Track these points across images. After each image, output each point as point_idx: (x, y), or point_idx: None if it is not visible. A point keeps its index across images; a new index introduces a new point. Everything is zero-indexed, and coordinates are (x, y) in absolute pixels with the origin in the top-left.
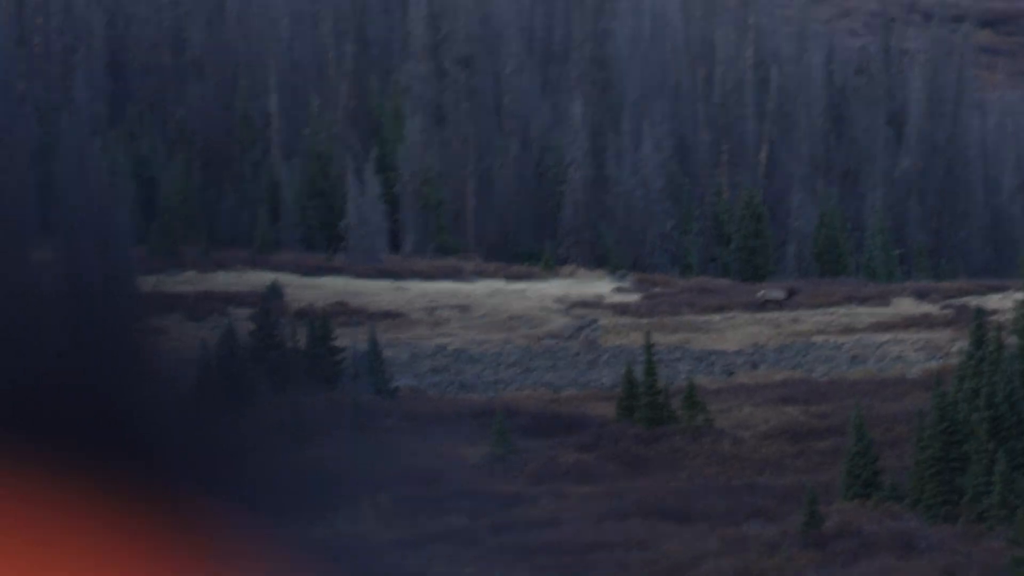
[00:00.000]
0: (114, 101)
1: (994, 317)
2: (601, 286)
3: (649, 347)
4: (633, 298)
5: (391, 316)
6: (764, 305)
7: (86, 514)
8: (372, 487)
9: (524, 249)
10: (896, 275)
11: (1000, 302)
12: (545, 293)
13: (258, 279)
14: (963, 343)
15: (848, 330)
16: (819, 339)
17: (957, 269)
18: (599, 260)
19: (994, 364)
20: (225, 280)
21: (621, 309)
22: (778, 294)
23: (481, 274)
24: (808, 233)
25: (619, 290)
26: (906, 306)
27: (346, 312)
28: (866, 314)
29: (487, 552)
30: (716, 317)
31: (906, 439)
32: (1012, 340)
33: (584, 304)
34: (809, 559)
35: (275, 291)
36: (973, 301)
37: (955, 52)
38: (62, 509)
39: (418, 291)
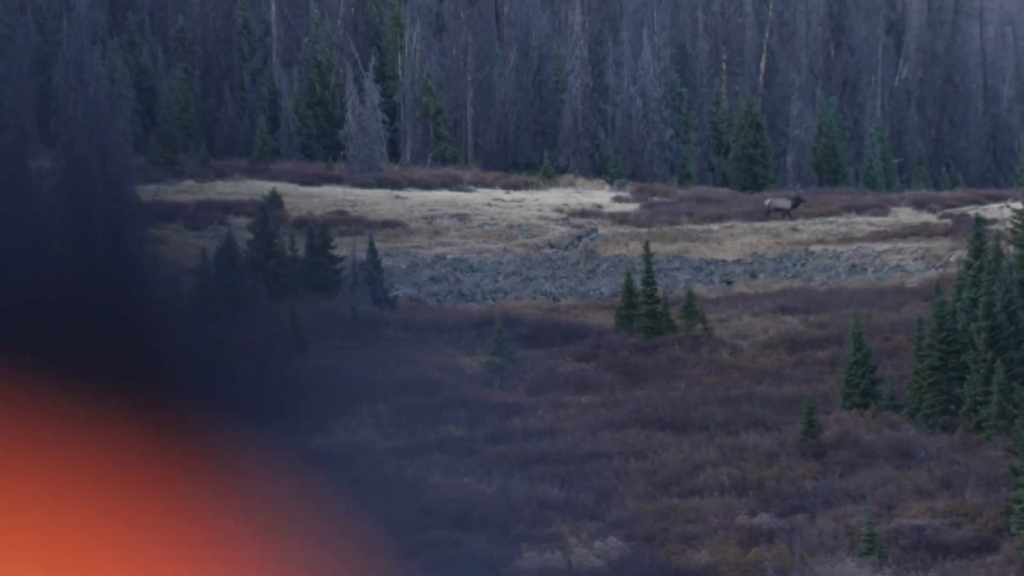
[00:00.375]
0: (114, 10)
1: (993, 227)
2: (600, 195)
3: (648, 256)
4: (632, 207)
5: (390, 225)
6: (770, 214)
7: (86, 424)
8: (371, 396)
9: (523, 158)
10: (895, 184)
11: (999, 211)
12: (544, 202)
13: (257, 188)
14: (962, 252)
15: (847, 239)
16: (818, 248)
17: (956, 178)
18: (598, 169)
19: (992, 274)
20: (224, 189)
21: (620, 218)
22: (784, 202)
23: (480, 183)
24: (807, 142)
25: (618, 199)
26: (905, 215)
27: (345, 221)
28: (865, 223)
29: (485, 461)
30: (715, 226)
31: (904, 349)
32: (1011, 250)
33: (583, 213)
34: (807, 468)
35: (274, 200)
36: (972, 210)
37: None
38: (65, 418)
39: (417, 200)
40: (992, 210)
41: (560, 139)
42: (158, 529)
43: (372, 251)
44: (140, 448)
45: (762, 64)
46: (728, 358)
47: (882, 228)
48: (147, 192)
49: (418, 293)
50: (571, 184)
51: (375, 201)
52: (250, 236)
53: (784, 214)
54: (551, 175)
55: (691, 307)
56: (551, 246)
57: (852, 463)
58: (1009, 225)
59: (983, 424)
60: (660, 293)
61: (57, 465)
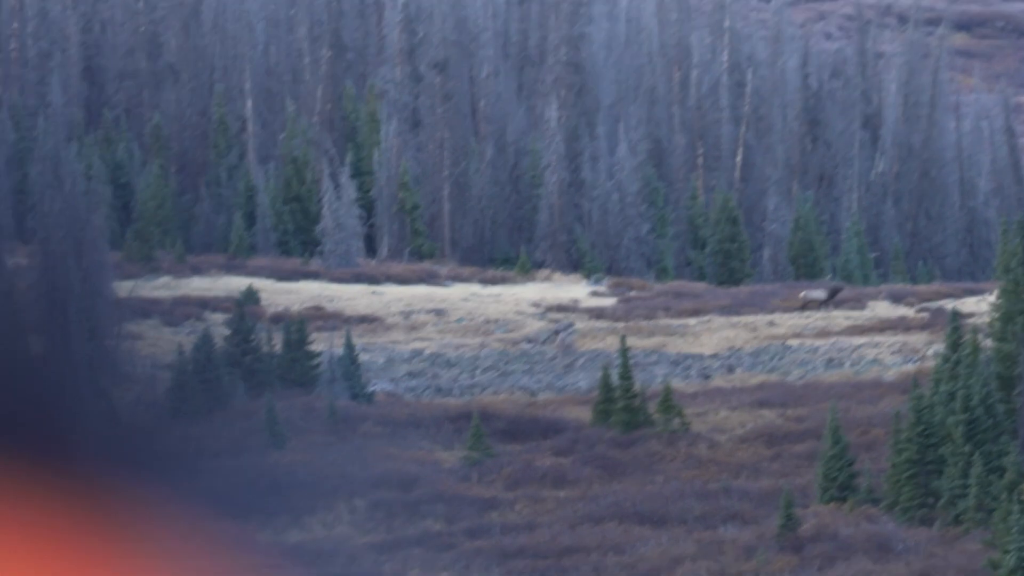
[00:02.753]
0: (90, 106)
1: (970, 320)
2: (577, 290)
3: (625, 351)
4: (609, 302)
5: (367, 320)
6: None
7: (61, 521)
8: (348, 491)
9: (500, 253)
10: (872, 278)
11: (976, 305)
12: (521, 297)
13: (234, 284)
14: (939, 346)
15: (824, 333)
16: (795, 342)
17: (933, 272)
18: (575, 264)
19: (970, 367)
20: (201, 285)
21: (597, 313)
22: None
23: (457, 278)
24: (784, 236)
25: (595, 294)
26: (882, 309)
27: (322, 316)
28: (842, 317)
29: (463, 556)
30: (692, 321)
31: (882, 442)
32: (988, 343)
33: (560, 308)
34: (785, 563)
35: (251, 296)
36: (949, 304)
37: (930, 55)
38: (35, 510)
39: (394, 295)
40: (969, 303)
41: (537, 234)
42: None
43: (349, 346)
44: (116, 545)
45: (738, 158)
46: (706, 452)
47: (859, 322)
48: (124, 288)
49: (395, 388)
50: (548, 279)
51: (352, 296)
52: (227, 332)
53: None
54: (528, 270)
55: (668, 401)
56: (528, 341)
57: (830, 557)
58: (986, 318)
59: (961, 517)
60: (637, 387)
61: (31, 562)
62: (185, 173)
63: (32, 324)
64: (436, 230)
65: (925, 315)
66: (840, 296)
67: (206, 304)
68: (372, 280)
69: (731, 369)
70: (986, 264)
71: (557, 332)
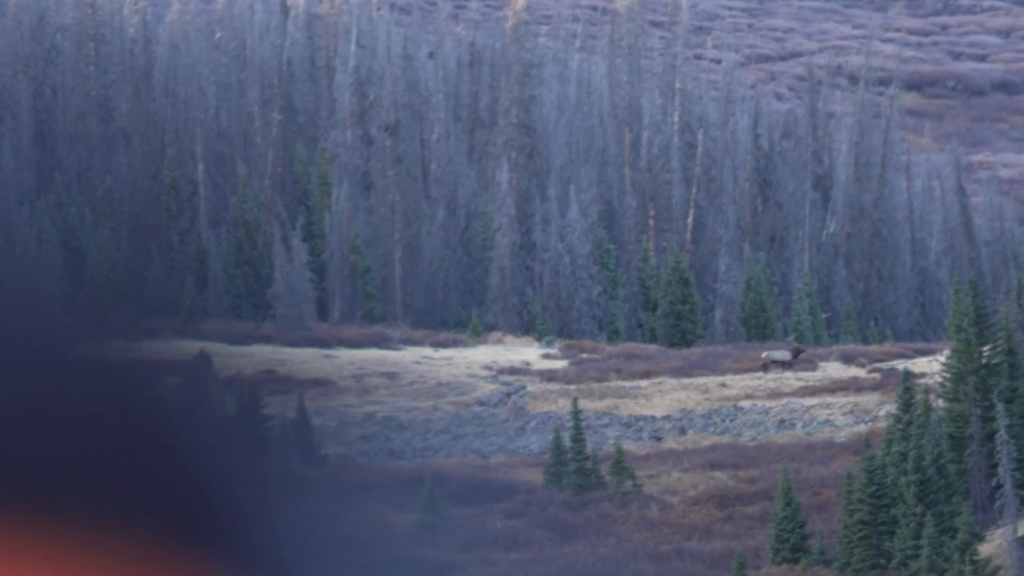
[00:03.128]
0: (41, 170)
1: (922, 380)
2: (529, 352)
3: (577, 413)
4: (561, 364)
5: (319, 384)
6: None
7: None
8: (300, 555)
9: (452, 316)
10: (823, 339)
11: (928, 365)
12: (473, 360)
13: (187, 347)
14: (891, 406)
15: (775, 394)
16: (746, 404)
17: (884, 332)
18: (526, 326)
19: (922, 428)
20: (153, 349)
21: (549, 375)
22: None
23: (409, 341)
24: (735, 297)
25: (546, 356)
26: (833, 370)
27: (274, 380)
28: (793, 378)
29: None
30: (643, 383)
31: (834, 503)
32: (940, 403)
33: (512, 371)
34: None
35: (203, 360)
36: (901, 364)
37: (881, 115)
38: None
39: (346, 358)
40: (921, 364)
41: (488, 296)
42: None
43: (302, 410)
44: None
45: (690, 220)
46: (658, 514)
47: (811, 383)
48: (76, 353)
49: (348, 451)
50: (500, 341)
51: (304, 360)
52: (180, 396)
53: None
54: (479, 332)
55: (620, 463)
56: (480, 403)
57: None
58: (938, 379)
59: None
60: (589, 450)
61: None
62: (137, 237)
63: None
64: (388, 293)
65: (877, 375)
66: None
67: (158, 367)
68: (324, 343)
69: (683, 431)
70: (938, 324)
71: (509, 395)
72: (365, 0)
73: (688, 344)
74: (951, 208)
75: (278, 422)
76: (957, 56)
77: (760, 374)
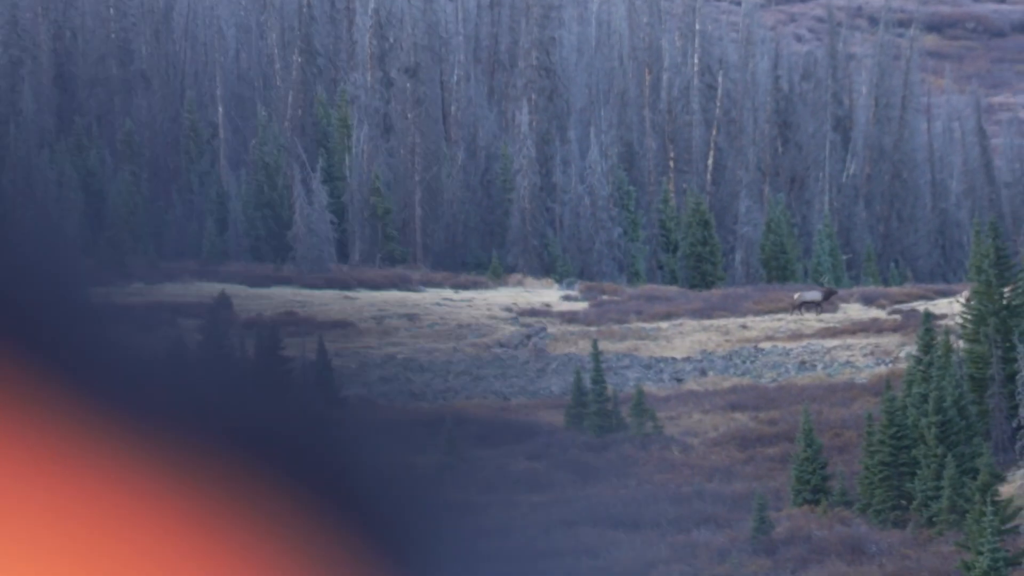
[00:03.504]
0: (61, 113)
1: (942, 322)
2: (549, 294)
3: (597, 355)
4: (581, 306)
5: (339, 326)
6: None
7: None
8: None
9: (472, 258)
10: (844, 280)
11: (948, 306)
12: (493, 301)
13: (206, 290)
14: (911, 348)
15: (796, 336)
16: (767, 345)
17: (905, 274)
18: (547, 268)
19: (942, 369)
20: (173, 291)
21: (569, 317)
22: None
23: (429, 283)
24: (755, 240)
25: (567, 298)
26: (854, 311)
27: (294, 322)
28: (814, 320)
29: (434, 560)
30: (664, 324)
31: (855, 444)
32: (960, 344)
33: (532, 312)
34: (759, 566)
35: (223, 302)
36: (921, 306)
37: (901, 57)
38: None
39: (366, 300)
40: (941, 305)
41: (508, 238)
42: None
43: (322, 351)
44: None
45: (710, 162)
46: (679, 456)
47: (831, 324)
48: (97, 294)
49: (368, 393)
50: (520, 283)
51: (324, 302)
52: (199, 338)
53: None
54: (500, 274)
55: (641, 405)
56: (500, 345)
57: (804, 559)
58: (959, 320)
59: (934, 519)
60: (610, 391)
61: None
62: (157, 180)
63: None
64: (408, 235)
65: (897, 317)
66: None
67: (179, 310)
68: (344, 285)
69: (704, 372)
70: (958, 266)
71: (530, 336)
72: None
73: (708, 286)
74: (971, 150)
75: (298, 364)
76: None
77: (783, 315)
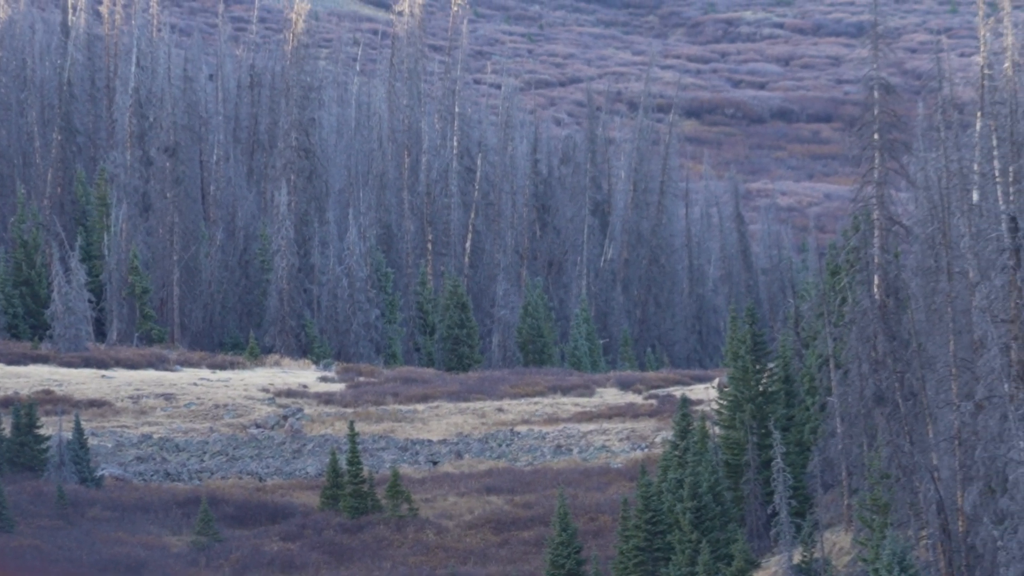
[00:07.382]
0: None
1: (698, 407)
2: (306, 375)
3: (353, 436)
4: (338, 387)
5: (96, 405)
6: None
7: None
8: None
9: (229, 338)
10: (601, 365)
11: (704, 392)
12: (250, 382)
13: None
14: (667, 433)
15: (552, 420)
16: (523, 428)
17: (662, 359)
18: (304, 349)
19: (698, 455)
20: None
21: (326, 398)
22: None
23: (186, 363)
24: (513, 322)
25: (324, 379)
26: (611, 396)
27: (51, 400)
28: (570, 404)
29: None
30: (421, 407)
31: (610, 529)
32: (716, 430)
33: (289, 393)
34: None
35: None
36: (677, 391)
37: (660, 142)
38: None
39: (123, 380)
40: (698, 390)
41: (266, 319)
42: None
43: (78, 430)
44: None
45: (468, 244)
46: (434, 538)
47: (588, 408)
48: None
49: (124, 472)
50: (277, 364)
51: (81, 380)
52: None
53: None
54: (257, 355)
55: (397, 487)
56: (257, 426)
57: None
58: (715, 406)
59: None
60: (366, 473)
61: None
62: None
63: None
64: (166, 314)
65: (653, 402)
66: (568, 383)
67: None
68: (101, 364)
69: (459, 455)
70: (715, 351)
71: (286, 417)
72: (145, 21)
73: (465, 368)
74: (729, 235)
75: (54, 442)
76: (736, 84)
77: (539, 399)
